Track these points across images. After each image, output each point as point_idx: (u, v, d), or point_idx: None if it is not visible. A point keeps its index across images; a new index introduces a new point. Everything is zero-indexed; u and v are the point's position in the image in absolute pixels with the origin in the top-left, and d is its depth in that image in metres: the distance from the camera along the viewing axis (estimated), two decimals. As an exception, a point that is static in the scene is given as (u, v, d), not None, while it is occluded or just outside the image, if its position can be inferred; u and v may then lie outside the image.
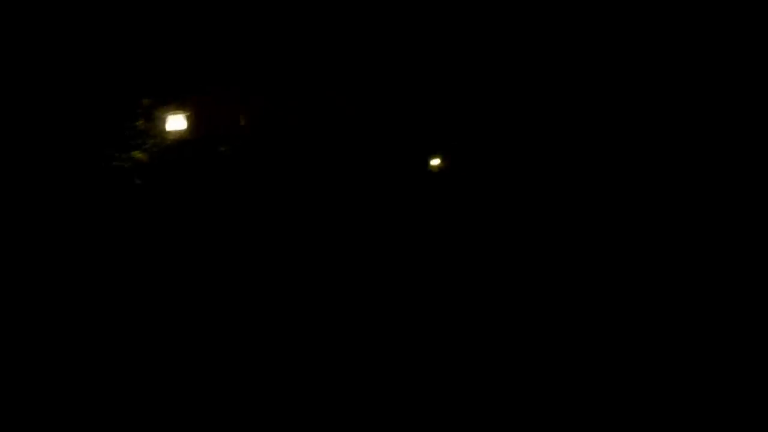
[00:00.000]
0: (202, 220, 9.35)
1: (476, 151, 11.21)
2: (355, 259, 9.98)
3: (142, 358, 6.47)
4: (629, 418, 5.05)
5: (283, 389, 5.83)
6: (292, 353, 6.72)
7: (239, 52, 8.98)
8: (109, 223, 8.53)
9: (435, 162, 11.32)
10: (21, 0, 7.51)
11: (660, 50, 8.14)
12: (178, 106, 8.33)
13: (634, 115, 9.09)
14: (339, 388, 5.80)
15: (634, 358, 5.95)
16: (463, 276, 9.65)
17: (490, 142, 11.11)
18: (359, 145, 10.72)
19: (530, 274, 9.46)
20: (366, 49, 10.30)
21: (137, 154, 8.50)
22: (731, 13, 7.18)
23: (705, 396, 5.14)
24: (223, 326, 7.60)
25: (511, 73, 10.72)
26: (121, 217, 8.60)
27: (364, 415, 5.31)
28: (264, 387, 5.91)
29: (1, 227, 7.53)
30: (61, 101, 7.94)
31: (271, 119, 9.78)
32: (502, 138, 10.96)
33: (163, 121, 8.56)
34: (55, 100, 7.90)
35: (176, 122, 8.92)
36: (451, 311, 8.29)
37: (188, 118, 8.98)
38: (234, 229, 9.60)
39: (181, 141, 8.94)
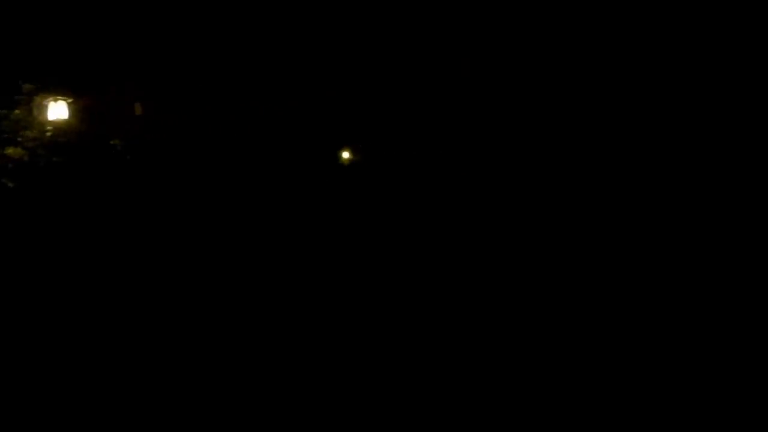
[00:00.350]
0: (91, 229, 7.86)
1: (389, 143, 10.52)
2: (264, 258, 8.97)
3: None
4: (629, 418, 4.82)
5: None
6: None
7: (136, 33, 7.53)
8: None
9: (346, 155, 10.51)
10: None
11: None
12: (66, 92, 6.80)
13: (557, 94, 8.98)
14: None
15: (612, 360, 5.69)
16: (376, 271, 8.98)
17: (402, 135, 10.46)
18: (266, 138, 9.62)
19: (448, 269, 9.00)
20: (272, 39, 9.20)
21: (11, 150, 6.86)
22: (731, 14, 7.11)
23: (705, 396, 5.00)
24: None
25: (422, 63, 10.10)
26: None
27: None
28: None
29: None
30: None
31: (172, 109, 8.41)
32: (416, 130, 10.35)
33: (45, 110, 6.97)
34: None
35: (58, 110, 7.36)
36: (362, 309, 7.65)
37: (72, 105, 7.44)
38: (128, 236, 8.19)
39: (65, 133, 7.39)
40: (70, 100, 7.44)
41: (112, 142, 7.98)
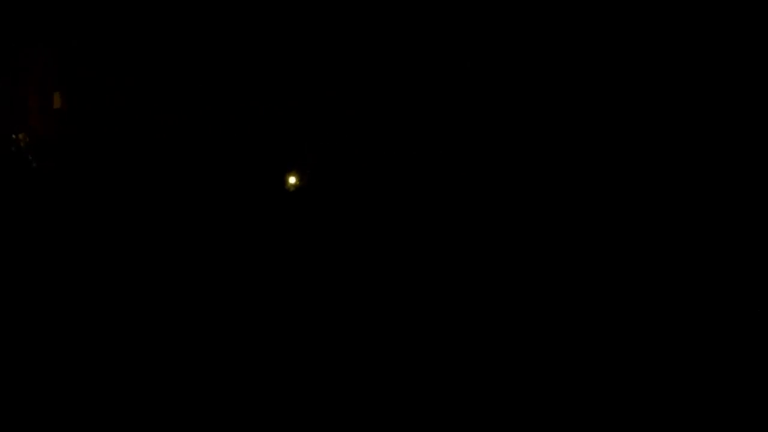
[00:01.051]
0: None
1: (341, 165, 6.28)
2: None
3: None
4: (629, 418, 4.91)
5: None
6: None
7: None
8: None
9: (292, 180, 6.75)
10: None
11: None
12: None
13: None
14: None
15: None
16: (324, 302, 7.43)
17: (354, 154, 6.32)
18: (199, 156, 7.17)
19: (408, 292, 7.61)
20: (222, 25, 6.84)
21: None
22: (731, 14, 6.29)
23: (705, 396, 5.02)
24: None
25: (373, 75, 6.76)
26: None
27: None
28: None
29: None
30: None
31: (99, 105, 7.31)
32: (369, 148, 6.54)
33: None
34: None
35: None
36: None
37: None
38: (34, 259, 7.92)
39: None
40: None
41: (14, 136, 7.52)
